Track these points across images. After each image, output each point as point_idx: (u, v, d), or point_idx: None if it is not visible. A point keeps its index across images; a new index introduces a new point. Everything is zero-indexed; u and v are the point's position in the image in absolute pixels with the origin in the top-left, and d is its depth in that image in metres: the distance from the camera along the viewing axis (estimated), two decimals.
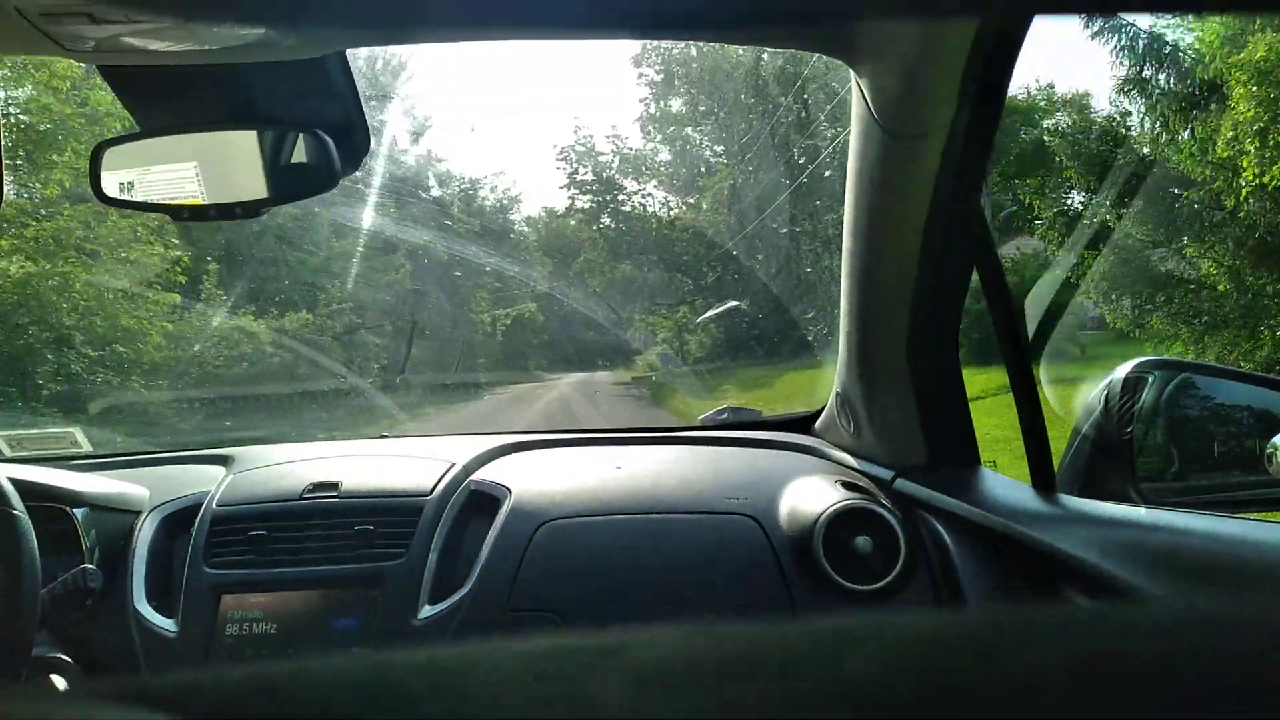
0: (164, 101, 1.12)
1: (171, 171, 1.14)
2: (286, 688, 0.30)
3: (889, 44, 1.06)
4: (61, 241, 8.21)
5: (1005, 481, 1.39)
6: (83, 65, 1.09)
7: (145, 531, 1.60)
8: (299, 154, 1.15)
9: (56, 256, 8.13)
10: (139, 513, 1.64)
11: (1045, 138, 11.84)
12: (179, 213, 1.18)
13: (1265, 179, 7.35)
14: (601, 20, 1.06)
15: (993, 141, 1.18)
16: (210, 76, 1.05)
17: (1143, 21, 9.38)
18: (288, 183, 1.16)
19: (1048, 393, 1.51)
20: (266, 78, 1.06)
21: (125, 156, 1.15)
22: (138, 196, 1.16)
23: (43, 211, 8.15)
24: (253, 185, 1.15)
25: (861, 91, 1.16)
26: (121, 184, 1.16)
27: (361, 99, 1.15)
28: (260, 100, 1.11)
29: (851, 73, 1.17)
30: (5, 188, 1.13)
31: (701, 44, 16.42)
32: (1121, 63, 9.36)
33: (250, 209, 1.17)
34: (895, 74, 1.09)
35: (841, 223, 1.38)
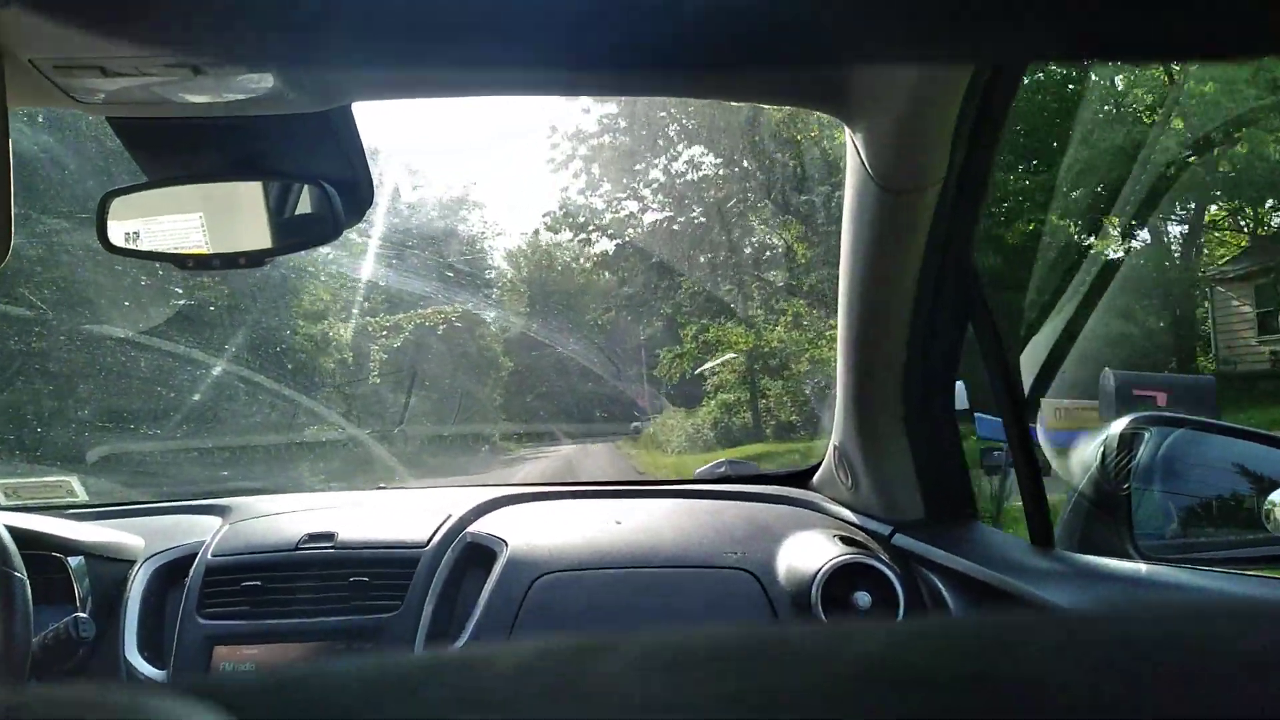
0: (171, 153, 1.13)
1: (177, 221, 1.16)
2: (307, 684, 0.31)
3: (882, 99, 1.09)
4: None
5: (1003, 537, 1.39)
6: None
7: (139, 581, 1.59)
8: (303, 205, 1.16)
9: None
10: (133, 562, 1.63)
11: None
12: (184, 262, 1.19)
13: None
14: (595, 78, 1.09)
15: (986, 196, 1.20)
16: (217, 129, 1.07)
17: None
18: (292, 233, 1.17)
19: (1044, 447, 1.51)
20: (273, 130, 1.08)
21: (131, 206, 1.17)
22: (143, 246, 1.17)
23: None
24: (257, 235, 1.16)
25: (855, 146, 1.18)
26: (127, 234, 1.17)
27: (366, 153, 1.17)
28: (266, 152, 1.13)
29: (846, 128, 1.19)
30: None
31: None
32: None
33: (254, 259, 1.19)
34: (888, 129, 1.12)
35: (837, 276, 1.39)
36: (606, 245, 18.63)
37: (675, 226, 17.68)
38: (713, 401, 15.67)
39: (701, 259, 17.30)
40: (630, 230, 18.38)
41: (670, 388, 16.88)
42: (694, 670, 0.30)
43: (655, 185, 17.85)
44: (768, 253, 16.25)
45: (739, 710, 0.28)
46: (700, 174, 17.20)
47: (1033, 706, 0.28)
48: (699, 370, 15.59)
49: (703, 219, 17.25)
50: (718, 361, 15.39)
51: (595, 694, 0.29)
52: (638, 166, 17.81)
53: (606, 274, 19.20)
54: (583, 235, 18.55)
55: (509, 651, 0.32)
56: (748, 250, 16.84)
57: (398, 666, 0.32)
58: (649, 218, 18.20)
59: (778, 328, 14.18)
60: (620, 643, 0.31)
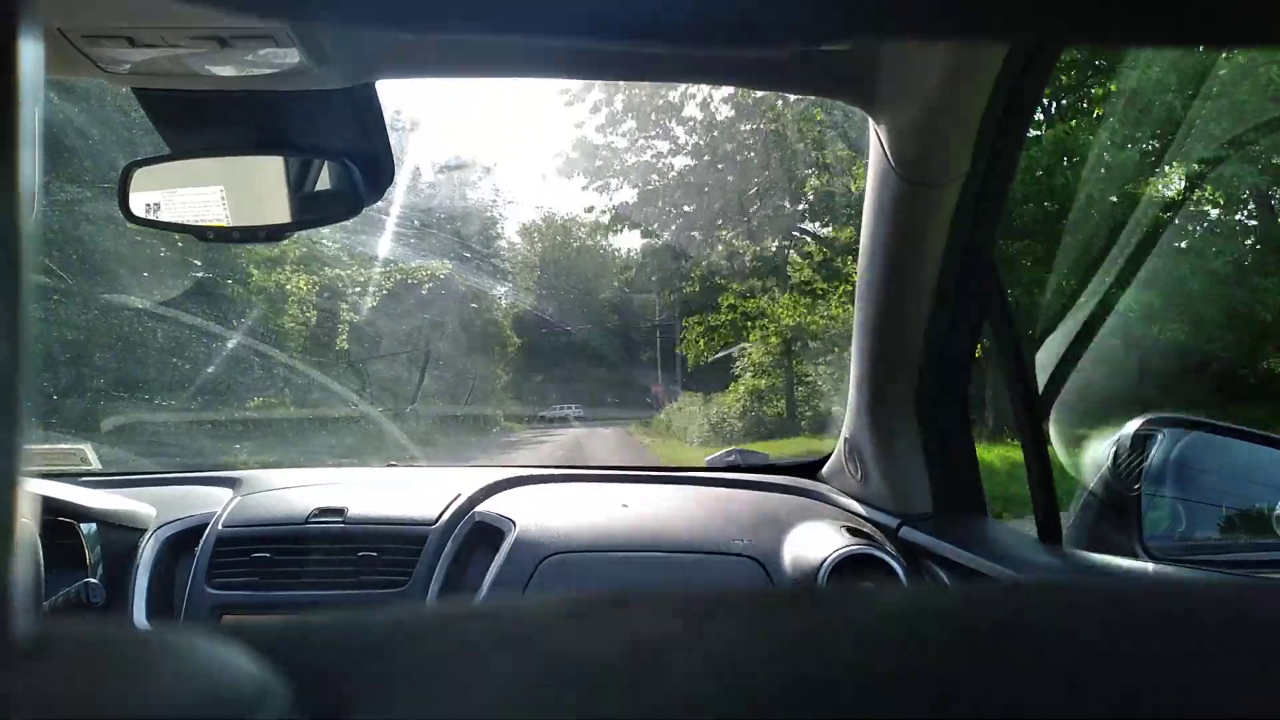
0: (195, 125, 1.14)
1: (198, 194, 1.16)
2: (341, 628, 0.32)
3: (907, 91, 1.08)
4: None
5: (1012, 533, 1.38)
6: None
7: (149, 549, 1.61)
8: (324, 181, 1.17)
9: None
10: (144, 530, 1.64)
11: None
12: (204, 234, 1.20)
13: None
14: (614, 60, 1.09)
15: (1008, 191, 1.19)
16: (241, 103, 1.08)
17: None
18: (311, 209, 1.18)
19: (1057, 446, 1.50)
20: (297, 106, 1.08)
21: (154, 177, 1.18)
22: (164, 217, 1.18)
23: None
24: (277, 210, 1.17)
25: (879, 138, 1.18)
26: (149, 204, 1.18)
27: (388, 130, 1.17)
28: (289, 128, 1.13)
29: (869, 119, 1.18)
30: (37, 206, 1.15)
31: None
32: None
33: (274, 233, 1.20)
34: (913, 121, 1.11)
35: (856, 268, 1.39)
36: (628, 194, 14.84)
37: (715, 169, 13.90)
38: (742, 386, 13.06)
39: (749, 210, 13.64)
40: (656, 177, 14.58)
41: (692, 368, 14.24)
42: (707, 617, 0.32)
43: (691, 122, 14.50)
44: (835, 199, 12.75)
45: (751, 649, 0.30)
46: (749, 102, 13.60)
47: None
48: (718, 355, 13.54)
49: (751, 158, 13.52)
50: (738, 347, 13.30)
51: (621, 634, 0.30)
52: (671, 97, 14.42)
53: (626, 228, 15.62)
54: (600, 181, 14.79)
55: (537, 602, 0.33)
56: (808, 200, 13.36)
57: (427, 612, 0.33)
58: (680, 162, 14.59)
59: (833, 299, 11.52)
60: (640, 595, 0.33)
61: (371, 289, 12.82)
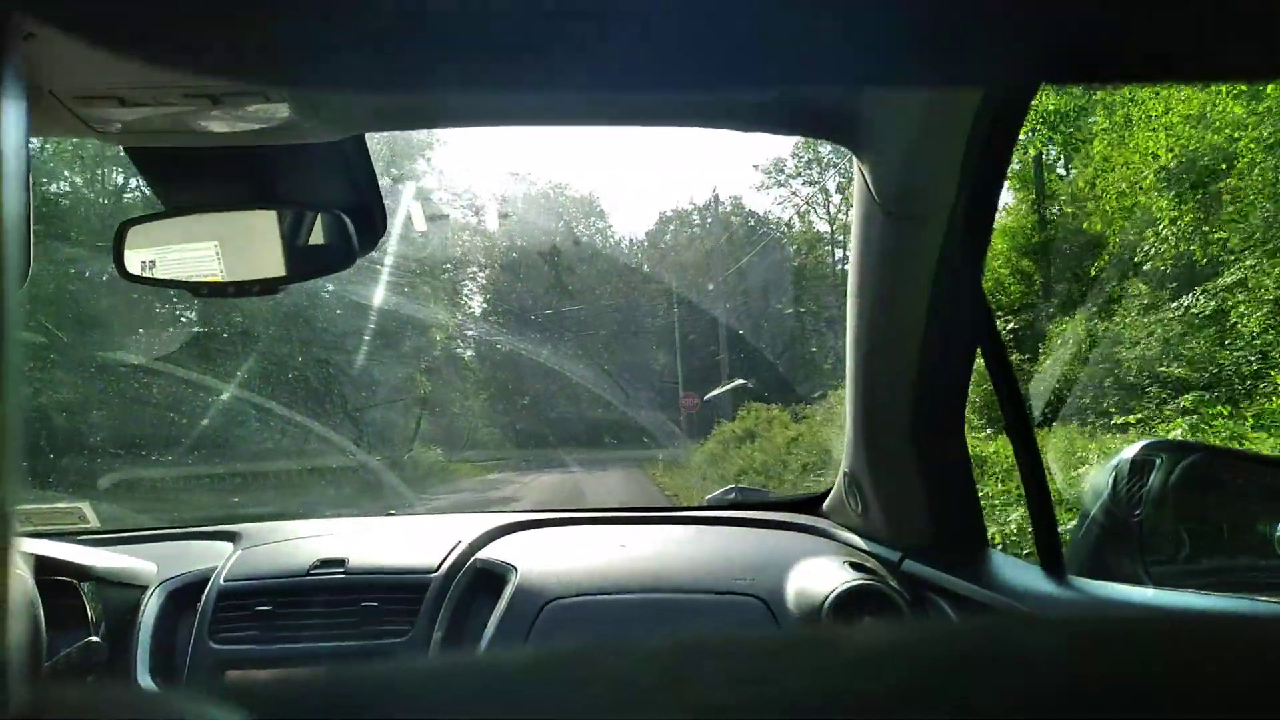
0: (187, 182, 1.15)
1: (192, 250, 1.17)
2: (328, 685, 0.32)
3: (889, 128, 1.10)
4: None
5: (1014, 563, 1.38)
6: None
7: (151, 606, 1.59)
8: (317, 234, 1.18)
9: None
10: (146, 587, 1.63)
11: None
12: (199, 289, 1.21)
13: None
14: (603, 104, 1.10)
15: (992, 222, 1.20)
16: (232, 158, 1.09)
17: None
18: (305, 262, 1.19)
19: (1054, 473, 1.50)
20: (287, 160, 1.09)
21: (148, 235, 1.19)
22: (159, 274, 1.19)
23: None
24: (271, 264, 1.18)
25: (863, 175, 1.19)
26: (144, 262, 1.19)
27: (379, 181, 1.18)
28: (281, 182, 1.15)
29: (854, 157, 1.20)
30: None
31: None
32: None
33: (268, 286, 1.20)
34: (896, 157, 1.13)
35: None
36: None
37: None
38: None
39: None
40: None
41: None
42: (698, 663, 0.32)
43: None
44: None
45: (741, 694, 0.29)
46: None
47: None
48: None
49: None
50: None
51: (618, 683, 0.30)
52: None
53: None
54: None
55: (523, 655, 0.33)
56: None
57: (423, 667, 0.33)
58: None
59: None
60: (636, 642, 0.33)
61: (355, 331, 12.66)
